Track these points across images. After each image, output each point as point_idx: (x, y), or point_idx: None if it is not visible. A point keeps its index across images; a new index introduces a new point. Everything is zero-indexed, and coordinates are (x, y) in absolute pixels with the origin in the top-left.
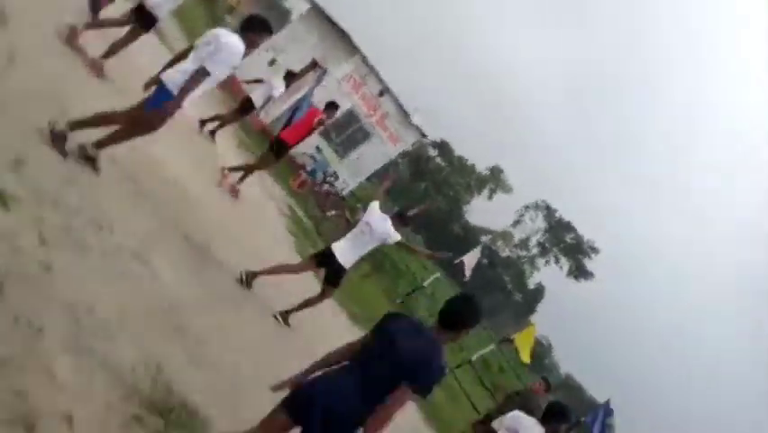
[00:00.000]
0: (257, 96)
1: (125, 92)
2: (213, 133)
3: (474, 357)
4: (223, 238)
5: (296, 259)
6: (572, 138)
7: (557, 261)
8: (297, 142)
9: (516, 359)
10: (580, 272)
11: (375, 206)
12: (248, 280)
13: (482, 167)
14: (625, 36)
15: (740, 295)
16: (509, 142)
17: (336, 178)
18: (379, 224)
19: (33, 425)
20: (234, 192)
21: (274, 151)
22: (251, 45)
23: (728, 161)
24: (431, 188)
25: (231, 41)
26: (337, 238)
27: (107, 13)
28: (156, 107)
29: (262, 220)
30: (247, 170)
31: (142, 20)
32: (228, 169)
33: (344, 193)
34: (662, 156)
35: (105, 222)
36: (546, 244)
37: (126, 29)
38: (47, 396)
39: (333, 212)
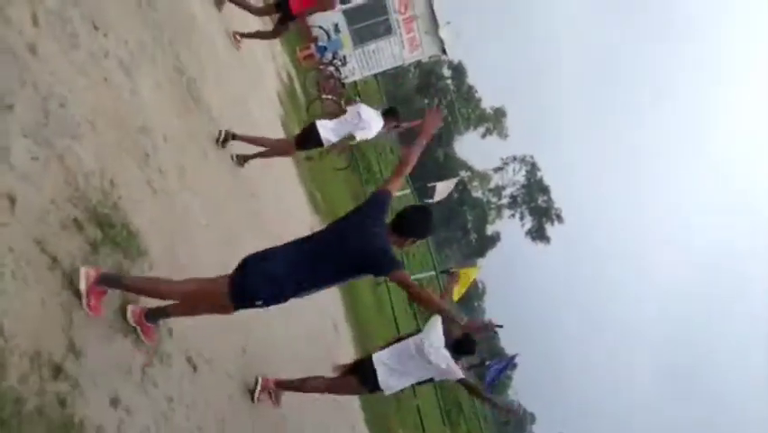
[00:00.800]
0: None
1: None
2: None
3: (412, 277)
4: (213, 80)
5: (277, 127)
6: (584, 109)
7: (522, 217)
8: (301, 13)
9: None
10: (538, 234)
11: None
12: (225, 139)
13: (488, 104)
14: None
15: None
16: (522, 90)
17: (344, 63)
18: (368, 115)
19: None
20: (236, 41)
21: (281, 17)
22: None
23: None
24: (431, 106)
25: None
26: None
27: None
28: None
29: (258, 78)
30: (257, 34)
31: None
32: (240, 34)
33: (347, 81)
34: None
35: (102, 23)
36: (518, 199)
37: None
38: None
39: (330, 96)
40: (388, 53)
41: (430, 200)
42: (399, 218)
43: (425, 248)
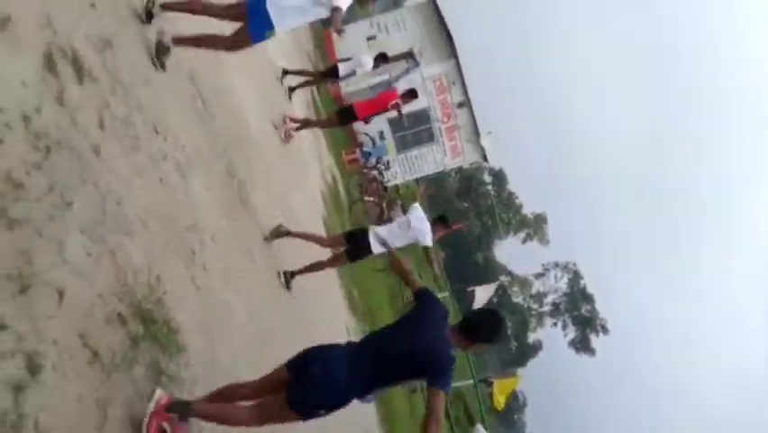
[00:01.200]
0: (344, 66)
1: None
2: (292, 90)
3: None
4: (261, 180)
5: (319, 227)
6: (627, 222)
7: (564, 327)
8: (366, 117)
9: (488, 403)
10: (582, 346)
11: (418, 206)
12: (273, 234)
13: (529, 209)
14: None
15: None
16: (564, 197)
17: (387, 168)
18: (418, 223)
19: (28, 287)
20: (288, 135)
21: (341, 115)
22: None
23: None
24: (472, 210)
25: None
26: (366, 224)
27: None
28: (256, 39)
29: (303, 177)
30: (307, 122)
31: None
32: (291, 118)
33: (389, 185)
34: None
35: (163, 128)
36: (561, 307)
37: None
38: (49, 265)
39: (372, 199)
40: (431, 159)
41: (470, 307)
42: (470, 321)
43: (462, 354)
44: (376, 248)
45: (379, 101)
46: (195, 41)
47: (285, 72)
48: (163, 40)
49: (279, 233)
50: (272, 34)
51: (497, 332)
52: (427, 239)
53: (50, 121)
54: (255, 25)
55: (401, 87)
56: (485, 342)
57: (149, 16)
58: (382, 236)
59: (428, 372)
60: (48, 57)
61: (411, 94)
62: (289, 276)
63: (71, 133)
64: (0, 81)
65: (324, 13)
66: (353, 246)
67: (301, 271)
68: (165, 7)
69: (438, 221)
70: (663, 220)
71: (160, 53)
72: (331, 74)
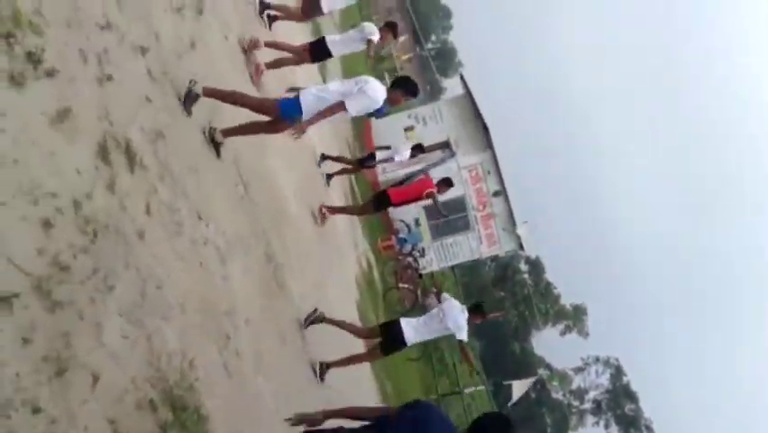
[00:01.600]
0: (381, 154)
1: (266, 94)
2: (330, 177)
3: None
4: (298, 264)
5: (352, 312)
6: (672, 319)
7: (607, 426)
8: (400, 204)
9: None
10: None
11: (454, 300)
12: (308, 320)
13: (567, 300)
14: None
15: None
16: (604, 289)
17: (422, 255)
18: (454, 315)
19: (65, 369)
20: (323, 218)
21: (376, 201)
22: (394, 101)
23: None
24: (508, 300)
25: (377, 89)
26: (400, 312)
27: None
28: (286, 118)
29: (339, 262)
30: (343, 209)
31: (317, 51)
32: (327, 207)
33: (423, 272)
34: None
35: (206, 214)
36: (603, 405)
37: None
38: (87, 348)
39: (406, 286)
40: (466, 247)
41: (507, 402)
42: (478, 427)
43: None
44: (410, 340)
45: (415, 189)
46: (240, 129)
47: (324, 157)
48: (214, 135)
49: (315, 318)
50: (300, 120)
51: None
52: (463, 333)
53: (99, 207)
54: (287, 109)
55: (437, 175)
56: None
57: (188, 102)
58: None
59: None
60: (102, 146)
61: (446, 183)
62: (324, 367)
63: (119, 218)
64: (56, 168)
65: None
66: (387, 340)
67: (336, 364)
68: (206, 94)
69: (474, 310)
70: (711, 319)
71: (214, 143)
72: (368, 160)
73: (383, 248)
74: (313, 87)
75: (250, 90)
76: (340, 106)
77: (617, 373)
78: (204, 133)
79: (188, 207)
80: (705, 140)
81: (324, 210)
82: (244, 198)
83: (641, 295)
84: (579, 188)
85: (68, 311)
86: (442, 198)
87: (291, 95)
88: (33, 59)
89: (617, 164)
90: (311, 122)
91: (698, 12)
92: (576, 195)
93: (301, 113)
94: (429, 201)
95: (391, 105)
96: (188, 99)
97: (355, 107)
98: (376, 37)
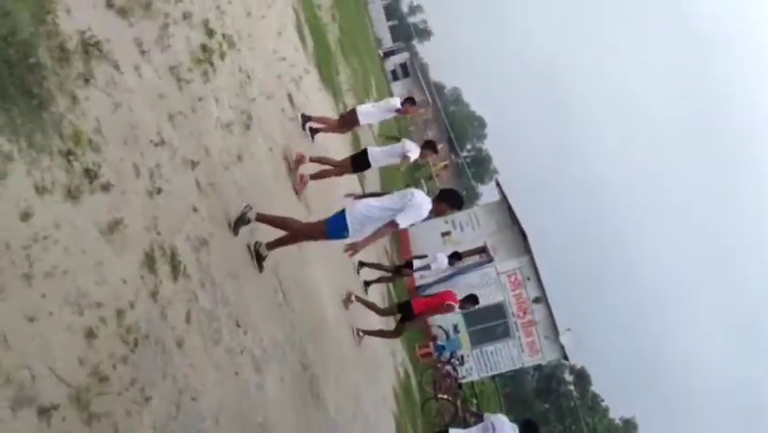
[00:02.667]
0: (419, 262)
1: (313, 211)
2: (368, 284)
3: None
4: (333, 376)
5: (390, 427)
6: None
7: None
8: (421, 315)
9: None
10: None
11: (503, 416)
12: None
13: (616, 414)
14: None
15: None
16: (652, 400)
17: (462, 363)
18: (506, 430)
19: None
20: (359, 337)
21: (401, 310)
22: (439, 213)
23: None
24: (553, 412)
25: (423, 203)
26: (440, 425)
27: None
28: (333, 234)
29: (376, 373)
30: (379, 333)
31: (359, 163)
32: (363, 332)
33: (463, 381)
34: None
35: (244, 322)
36: None
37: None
38: None
39: (445, 396)
40: (507, 355)
41: None
42: None
43: None
44: None
45: (437, 300)
46: (284, 240)
47: (362, 264)
48: (259, 249)
49: None
50: (348, 237)
51: None
52: None
53: (141, 315)
54: (333, 231)
55: (474, 282)
56: None
57: (239, 225)
58: None
59: None
60: (149, 255)
61: (471, 300)
62: None
63: (159, 326)
64: (103, 278)
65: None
66: None
67: None
68: (259, 219)
69: (526, 428)
70: None
71: (258, 256)
72: (405, 269)
73: (421, 355)
74: (361, 204)
75: (292, 199)
76: (392, 225)
77: None
78: (249, 248)
79: (227, 315)
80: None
81: (360, 333)
82: (282, 306)
83: (696, 409)
84: (627, 297)
85: (105, 424)
86: (488, 301)
87: (339, 209)
88: (90, 174)
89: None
90: (366, 243)
91: None
92: (623, 300)
93: (348, 232)
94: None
95: (436, 216)
96: (240, 222)
97: (405, 222)
98: (414, 155)
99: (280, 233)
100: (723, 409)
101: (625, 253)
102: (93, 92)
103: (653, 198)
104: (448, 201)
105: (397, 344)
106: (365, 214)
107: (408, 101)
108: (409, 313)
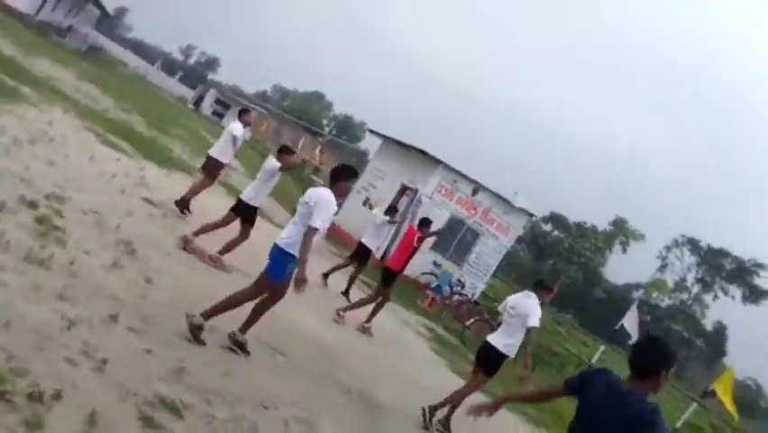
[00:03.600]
0: (368, 240)
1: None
2: (326, 276)
3: (679, 424)
4: (377, 378)
5: (452, 377)
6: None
7: (725, 292)
8: (404, 265)
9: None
10: (755, 295)
11: (517, 295)
12: (430, 414)
13: (603, 224)
14: None
15: None
16: (619, 193)
17: (463, 285)
18: (525, 304)
19: None
20: (366, 331)
21: (385, 281)
22: (343, 192)
23: None
24: (559, 262)
25: (323, 195)
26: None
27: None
28: (281, 281)
29: (405, 348)
30: (359, 303)
31: (240, 212)
32: (342, 310)
33: (476, 297)
34: None
35: (268, 399)
36: (706, 278)
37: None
38: None
39: (473, 319)
40: (489, 252)
41: (630, 341)
42: (638, 360)
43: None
44: (509, 352)
45: (404, 246)
46: (253, 316)
47: (325, 276)
48: (236, 338)
49: (430, 412)
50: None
51: (665, 350)
52: (534, 318)
53: None
54: (276, 276)
55: (422, 214)
56: (664, 368)
57: (197, 334)
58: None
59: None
60: (143, 417)
61: (425, 223)
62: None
63: None
64: None
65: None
66: (488, 364)
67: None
68: (206, 317)
69: (538, 288)
70: None
71: (238, 345)
72: (362, 255)
73: (428, 306)
74: (279, 237)
75: (227, 278)
76: (312, 232)
77: (693, 243)
78: (229, 344)
79: (249, 407)
80: None
81: (341, 313)
82: (286, 363)
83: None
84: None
85: None
86: (438, 226)
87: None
88: (35, 396)
89: None
90: (303, 265)
91: None
92: None
93: (288, 268)
94: (431, 240)
95: (343, 196)
96: (195, 332)
97: (322, 222)
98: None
99: (244, 313)
100: None
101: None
102: None
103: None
104: (342, 177)
105: (402, 313)
106: (287, 241)
107: (242, 113)
108: (391, 274)
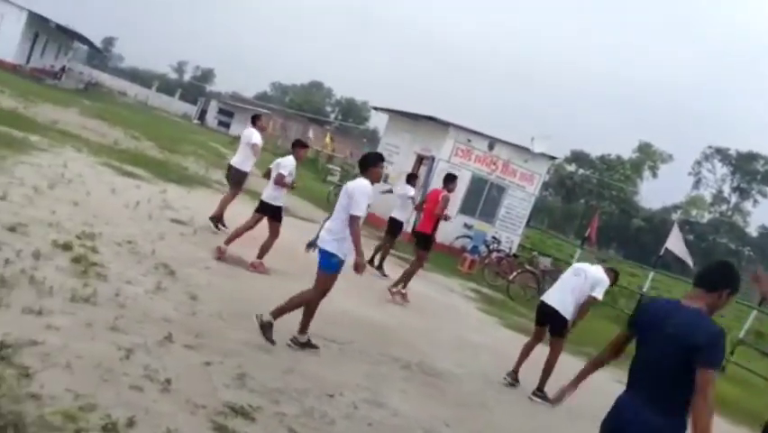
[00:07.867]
0: (398, 214)
1: (295, 275)
2: (380, 267)
3: (742, 334)
4: (432, 347)
5: (510, 335)
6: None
7: (764, 194)
8: (435, 228)
9: None
10: None
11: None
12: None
13: (628, 152)
14: None
15: None
16: (638, 119)
17: (499, 242)
18: (595, 271)
19: None
20: (404, 298)
21: (421, 245)
22: (377, 177)
23: None
24: (590, 199)
25: (360, 186)
26: (533, 295)
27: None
28: (332, 270)
29: (454, 314)
30: (407, 276)
31: (267, 210)
32: (392, 288)
33: (514, 250)
34: None
35: (332, 388)
36: (742, 186)
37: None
38: None
39: (516, 272)
40: (517, 204)
41: (683, 264)
42: (706, 274)
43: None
44: (568, 313)
45: (430, 208)
46: (308, 313)
47: (377, 267)
48: (298, 341)
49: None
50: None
51: (733, 272)
52: (600, 290)
53: None
54: (328, 268)
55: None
56: (728, 287)
57: (267, 333)
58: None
59: (693, 352)
60: (216, 426)
61: (450, 178)
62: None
63: None
64: None
65: None
66: (554, 328)
67: (544, 381)
68: (275, 316)
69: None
70: None
71: (307, 345)
72: (394, 229)
73: (468, 268)
74: (323, 231)
75: (276, 281)
76: (355, 220)
77: (721, 153)
78: (290, 345)
79: (316, 397)
80: None
81: (393, 290)
82: (343, 349)
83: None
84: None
85: None
86: (463, 189)
87: (312, 251)
88: (108, 428)
89: None
90: (358, 251)
91: None
92: None
93: (339, 260)
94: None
95: (377, 180)
96: (265, 330)
97: (360, 210)
98: (287, 162)
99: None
100: None
101: None
102: (44, 374)
103: None
104: (370, 164)
105: (443, 281)
106: (334, 236)
107: (255, 119)
108: (425, 238)
